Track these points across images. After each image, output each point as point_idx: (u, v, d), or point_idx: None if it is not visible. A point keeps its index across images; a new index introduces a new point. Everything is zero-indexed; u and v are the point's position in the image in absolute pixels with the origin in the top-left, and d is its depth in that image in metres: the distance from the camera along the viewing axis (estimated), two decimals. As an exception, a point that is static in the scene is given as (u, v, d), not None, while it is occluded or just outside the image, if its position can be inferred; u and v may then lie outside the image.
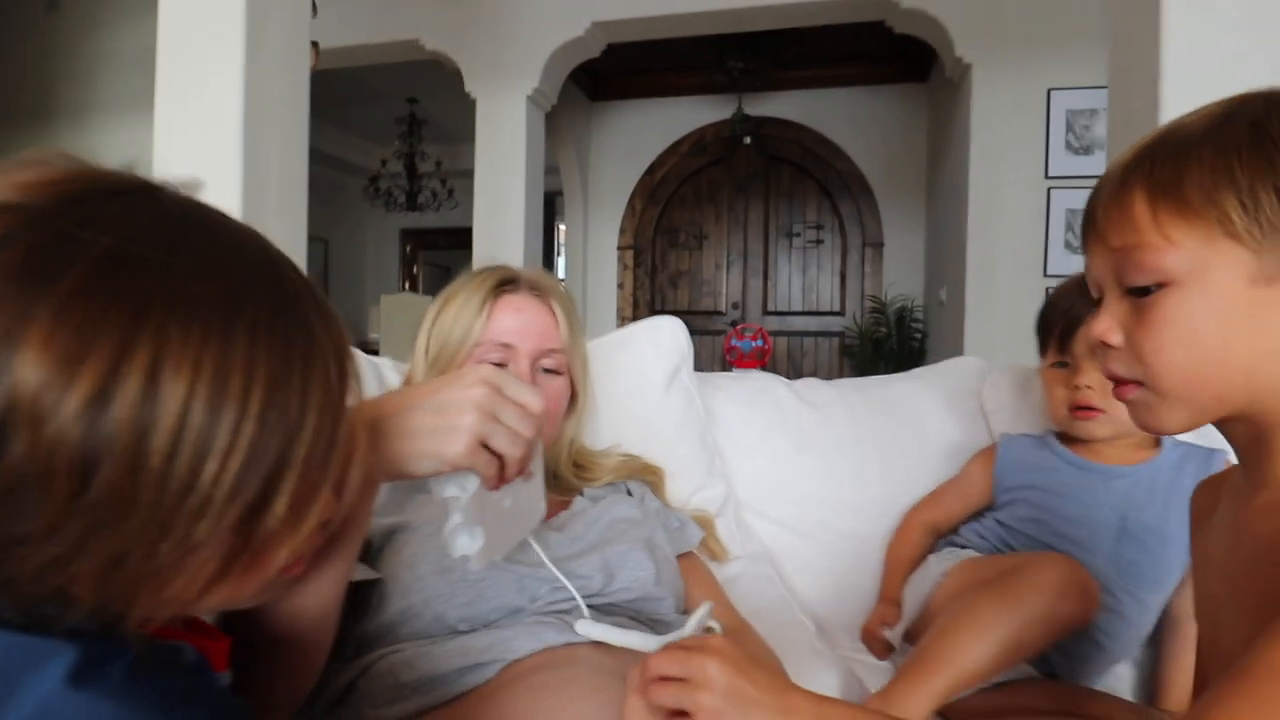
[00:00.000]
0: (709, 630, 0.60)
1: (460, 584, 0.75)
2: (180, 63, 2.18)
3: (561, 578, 0.73)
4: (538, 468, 0.66)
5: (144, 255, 0.34)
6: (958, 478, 1.17)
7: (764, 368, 4.55)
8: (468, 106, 3.94)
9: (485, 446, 0.57)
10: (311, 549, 0.49)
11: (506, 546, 0.66)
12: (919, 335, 4.66)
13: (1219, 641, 0.55)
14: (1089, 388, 1.00)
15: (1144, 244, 0.50)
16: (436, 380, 0.60)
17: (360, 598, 0.79)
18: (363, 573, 0.78)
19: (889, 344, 4.66)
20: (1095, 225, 0.54)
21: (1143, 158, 0.51)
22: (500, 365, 0.92)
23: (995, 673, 0.84)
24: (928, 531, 1.15)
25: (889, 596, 1.13)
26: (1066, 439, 1.08)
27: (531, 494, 0.65)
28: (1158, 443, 1.05)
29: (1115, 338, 0.53)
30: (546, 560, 0.71)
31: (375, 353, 5.91)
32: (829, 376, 5.51)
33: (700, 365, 1.24)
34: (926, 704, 0.81)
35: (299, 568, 0.48)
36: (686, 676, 0.53)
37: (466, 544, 0.59)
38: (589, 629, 0.69)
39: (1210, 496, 0.62)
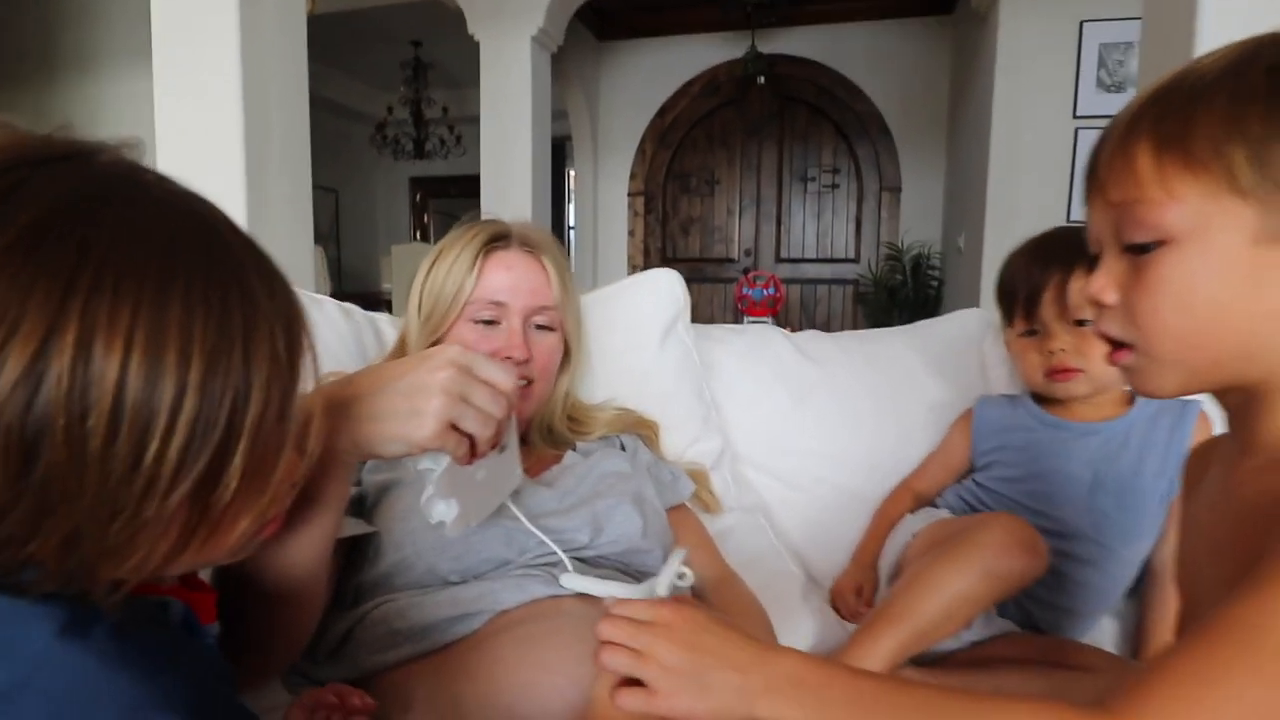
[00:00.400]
0: (681, 577, 0.60)
1: (450, 539, 0.77)
2: (175, 9, 2.15)
3: (541, 536, 0.74)
4: (512, 438, 0.67)
5: (67, 228, 0.33)
6: (940, 446, 1.18)
7: (776, 316, 4.52)
8: (473, 49, 3.86)
9: (455, 428, 0.57)
10: (281, 510, 0.49)
11: (483, 513, 0.67)
12: (935, 283, 4.59)
13: (1198, 606, 0.55)
14: (1063, 350, 1.00)
15: (1145, 198, 0.48)
16: (406, 361, 0.60)
17: (358, 550, 0.81)
18: (358, 527, 0.80)
19: (904, 292, 4.60)
20: (1097, 177, 0.52)
21: (1151, 105, 0.49)
22: (493, 323, 0.92)
23: (951, 626, 0.86)
24: (914, 499, 1.16)
25: (862, 560, 1.14)
26: (1041, 398, 1.08)
27: (506, 464, 0.65)
28: (1132, 398, 1.04)
29: (1111, 296, 0.51)
30: (526, 521, 0.72)
31: (389, 303, 5.94)
32: (842, 325, 5.48)
33: (712, 313, 1.24)
34: (885, 657, 0.84)
35: (272, 528, 0.49)
36: (638, 649, 0.52)
37: (443, 511, 0.60)
38: (572, 581, 0.71)
39: (1201, 463, 0.61)
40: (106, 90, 3.95)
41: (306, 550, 0.61)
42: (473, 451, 0.59)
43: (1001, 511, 0.97)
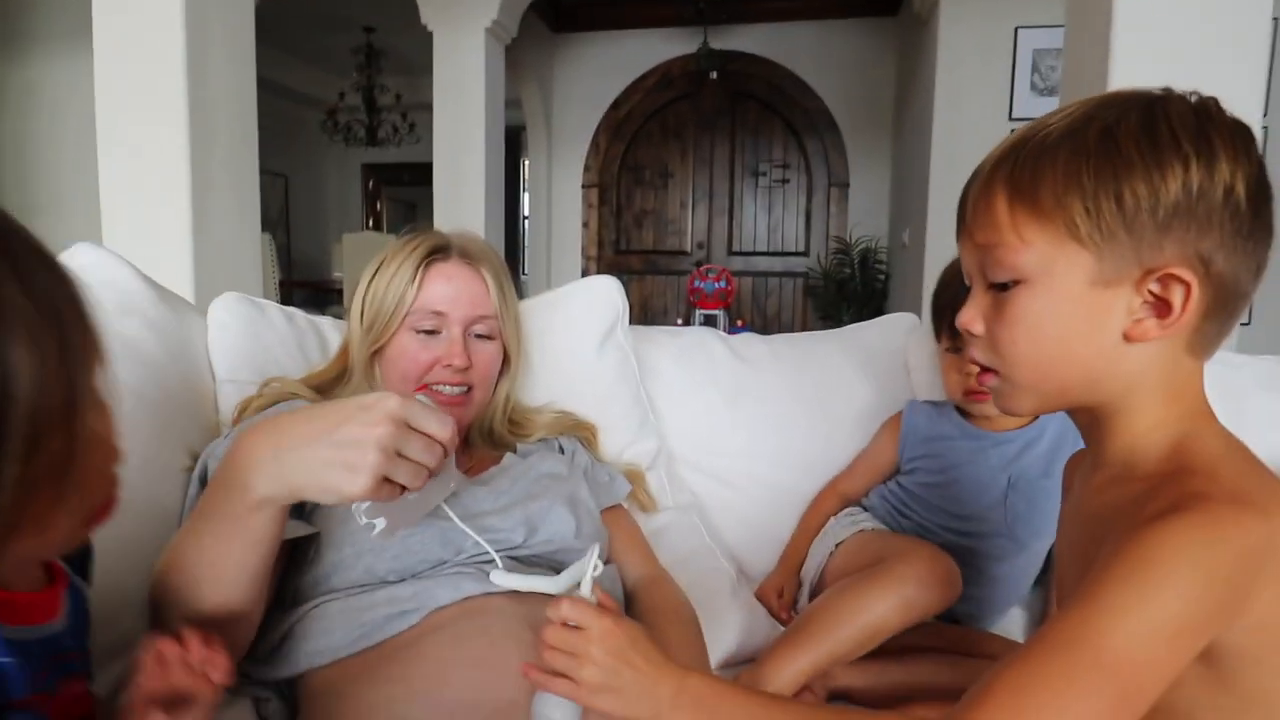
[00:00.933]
0: (596, 569, 0.65)
1: (386, 541, 0.80)
2: (116, -8, 2.08)
3: (474, 535, 0.78)
4: (450, 457, 0.70)
5: None
6: (868, 449, 1.24)
7: (727, 309, 4.59)
8: (426, 37, 3.83)
9: (388, 479, 0.59)
10: (108, 499, 0.48)
11: (413, 521, 0.71)
12: (882, 276, 4.72)
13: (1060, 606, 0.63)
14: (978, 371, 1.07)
15: (1003, 243, 0.54)
16: (343, 408, 0.60)
17: (299, 550, 0.84)
18: (299, 529, 0.83)
19: (852, 285, 4.72)
20: (964, 220, 0.58)
21: (1008, 156, 0.55)
22: (433, 333, 0.95)
23: (863, 649, 0.94)
24: (840, 500, 1.22)
25: (787, 565, 1.20)
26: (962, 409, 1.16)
27: (440, 479, 0.68)
28: None
29: (978, 327, 0.58)
30: (459, 522, 0.76)
31: (339, 292, 5.82)
32: (793, 317, 5.56)
33: (665, 305, 1.29)
34: (798, 673, 0.92)
35: (103, 517, 0.49)
36: (573, 651, 0.59)
37: (373, 523, 0.63)
38: (502, 579, 0.75)
39: (1072, 473, 0.68)
40: (44, 73, 3.82)
41: (244, 583, 0.65)
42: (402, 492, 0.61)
43: (917, 543, 1.02)
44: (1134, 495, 0.53)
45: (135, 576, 0.79)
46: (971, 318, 0.58)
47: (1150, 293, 0.50)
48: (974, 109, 3.48)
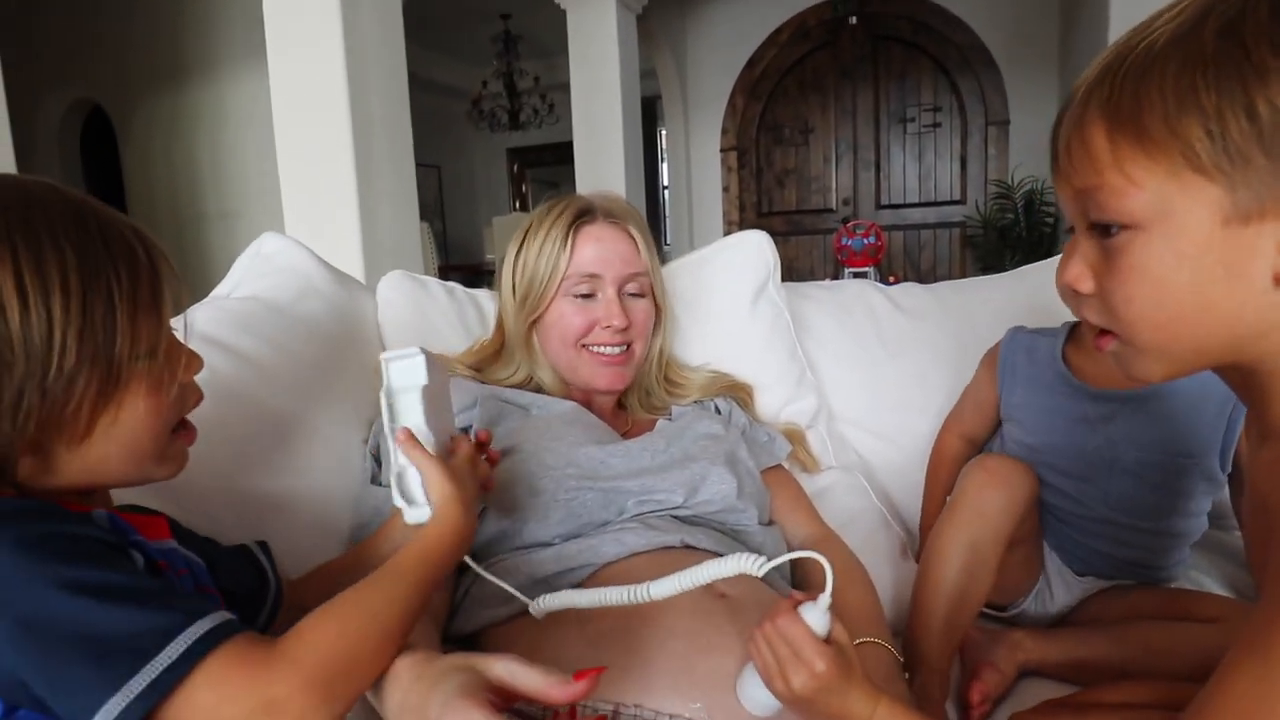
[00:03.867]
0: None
1: (551, 504, 0.82)
2: (284, 13, 2.28)
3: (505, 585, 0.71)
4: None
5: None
6: (969, 386, 1.09)
7: (878, 266, 4.38)
8: (561, 17, 3.88)
9: None
10: (182, 412, 0.56)
11: None
12: (1050, 220, 4.33)
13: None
14: None
15: (1105, 185, 0.44)
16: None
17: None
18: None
19: (1016, 231, 4.37)
20: (1058, 159, 0.49)
21: (1103, 78, 0.45)
22: (588, 296, 0.96)
23: (978, 583, 0.86)
24: (966, 444, 1.09)
25: (926, 529, 1.09)
26: (1077, 339, 0.98)
27: None
28: None
29: (1086, 284, 0.48)
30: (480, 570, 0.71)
31: (492, 273, 6.13)
32: (950, 271, 5.25)
33: (812, 266, 1.24)
34: (939, 630, 0.85)
35: (188, 438, 0.57)
36: (798, 654, 0.57)
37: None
38: (549, 602, 0.68)
39: (1245, 439, 0.57)
40: (230, 90, 4.24)
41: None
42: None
43: (982, 455, 0.94)
44: None
45: (320, 533, 0.85)
46: (1077, 274, 0.48)
47: None
48: (1159, 19, 3.07)
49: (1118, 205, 0.44)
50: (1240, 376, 0.47)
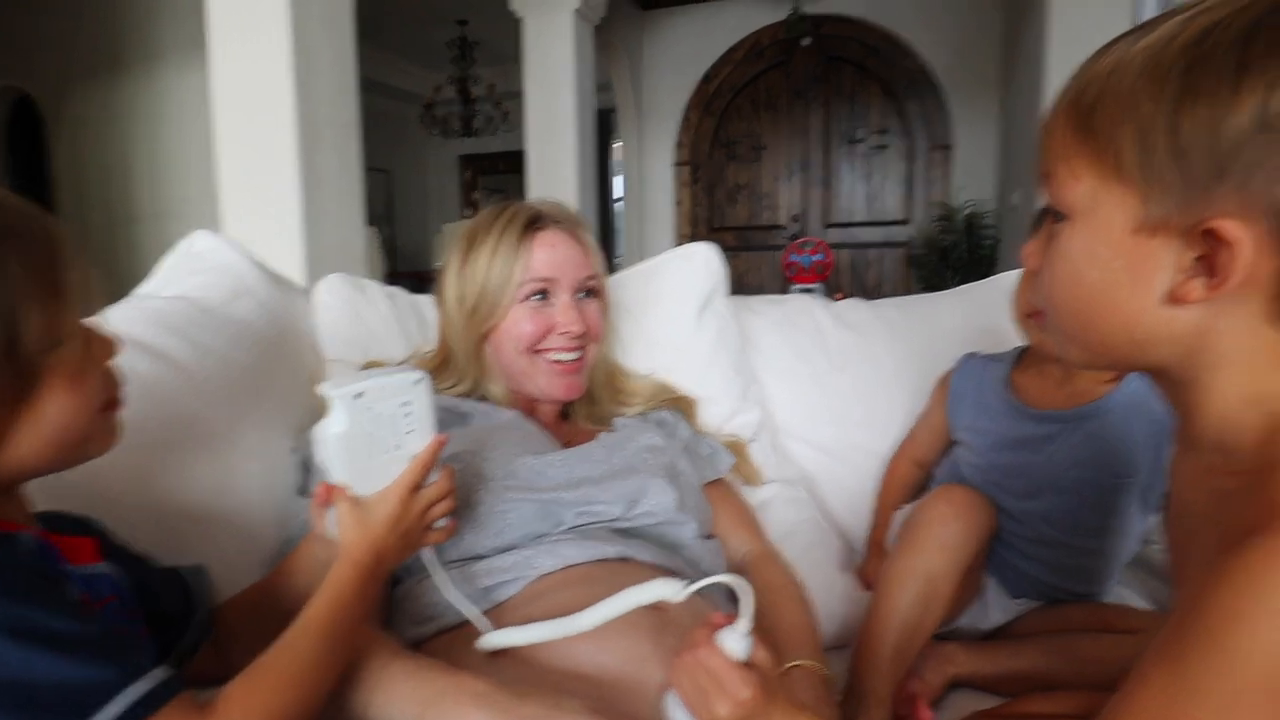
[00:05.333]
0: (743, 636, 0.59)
1: (488, 515, 0.80)
2: (228, 3, 2.21)
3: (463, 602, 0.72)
4: None
5: None
6: (924, 409, 1.13)
7: (825, 282, 4.46)
8: (517, 25, 3.86)
9: None
10: (109, 394, 0.54)
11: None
12: (990, 242, 4.46)
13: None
14: None
15: (1054, 174, 0.47)
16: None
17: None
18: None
19: (958, 253, 4.48)
20: (1040, 141, 0.51)
21: (1082, 72, 0.47)
22: (543, 301, 0.94)
23: (937, 608, 0.87)
24: (916, 467, 1.13)
25: (876, 546, 1.11)
26: (1024, 363, 1.00)
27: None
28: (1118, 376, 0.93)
29: (1034, 261, 0.52)
30: (445, 582, 0.72)
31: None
32: (894, 289, 5.36)
33: (761, 281, 1.24)
34: (888, 656, 0.84)
35: (117, 406, 0.55)
36: (721, 684, 0.56)
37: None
38: (494, 640, 0.69)
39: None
40: (170, 83, 4.10)
41: None
42: None
43: (944, 485, 0.94)
44: (1224, 496, 0.44)
45: (244, 545, 0.82)
46: (1031, 250, 0.53)
47: (1203, 245, 0.41)
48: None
49: (1061, 194, 0.47)
50: (1168, 384, 0.48)
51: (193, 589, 0.66)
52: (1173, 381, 0.47)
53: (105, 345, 0.53)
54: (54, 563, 0.51)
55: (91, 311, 0.52)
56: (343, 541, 0.62)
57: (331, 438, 0.63)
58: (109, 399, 0.54)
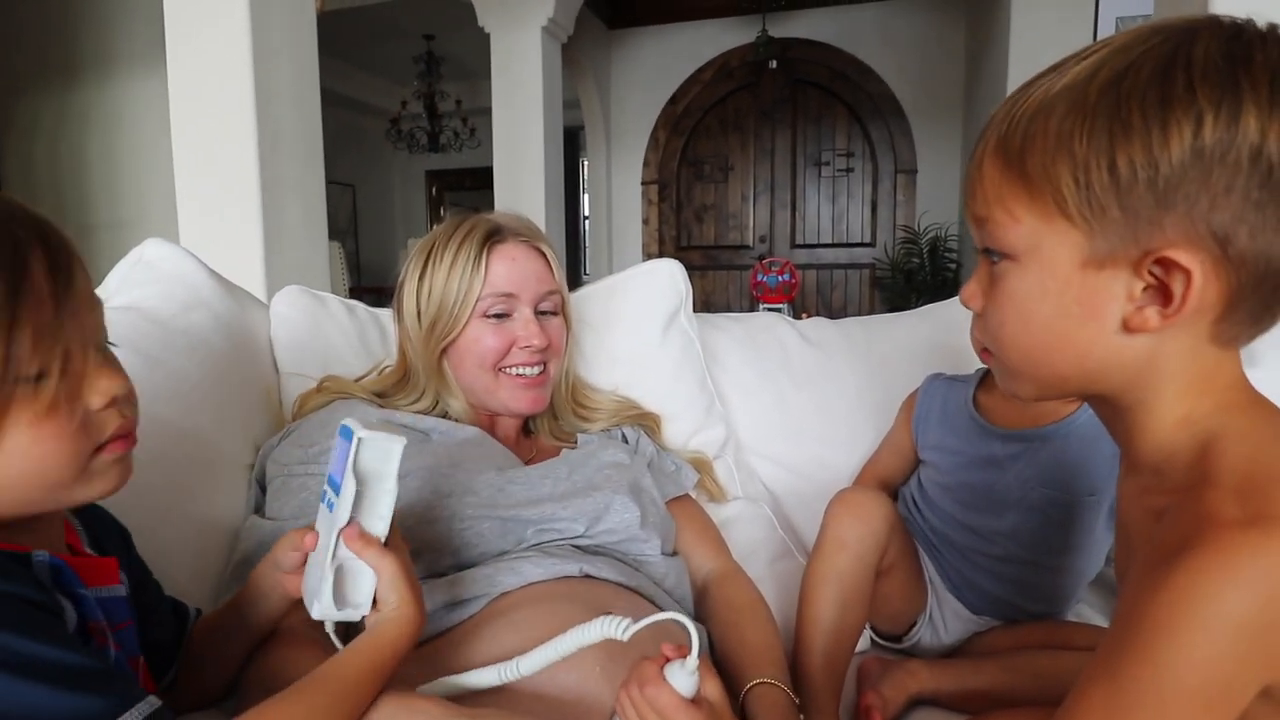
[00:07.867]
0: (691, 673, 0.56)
1: (448, 533, 0.78)
2: (186, 10, 2.18)
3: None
4: None
5: None
6: (889, 432, 1.13)
7: (792, 302, 4.50)
8: (485, 41, 3.87)
9: None
10: (118, 430, 0.50)
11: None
12: (953, 265, 4.55)
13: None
14: None
15: (991, 217, 0.48)
16: None
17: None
18: None
19: (922, 275, 4.56)
20: (968, 186, 0.52)
21: (1005, 115, 0.47)
22: (503, 316, 0.93)
23: (860, 609, 0.88)
24: (880, 488, 1.11)
25: None
26: (988, 383, 1.02)
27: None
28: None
29: (976, 303, 0.52)
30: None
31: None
32: (859, 310, 5.44)
33: (728, 301, 1.24)
34: (820, 665, 0.85)
35: (119, 446, 0.50)
36: (660, 714, 0.54)
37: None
38: (434, 687, 0.66)
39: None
40: (125, 91, 4.01)
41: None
42: None
43: (843, 488, 0.97)
44: (1157, 514, 0.46)
45: (195, 561, 0.79)
46: (971, 293, 0.52)
47: (1152, 275, 0.43)
48: (1050, 84, 3.30)
49: (1000, 236, 0.48)
50: (1110, 410, 0.50)
51: (188, 623, 0.66)
52: (1116, 407, 0.49)
53: (101, 383, 0.48)
54: (67, 585, 0.49)
55: (89, 346, 0.48)
56: (400, 602, 0.58)
57: (392, 477, 0.59)
58: (111, 438, 0.49)
